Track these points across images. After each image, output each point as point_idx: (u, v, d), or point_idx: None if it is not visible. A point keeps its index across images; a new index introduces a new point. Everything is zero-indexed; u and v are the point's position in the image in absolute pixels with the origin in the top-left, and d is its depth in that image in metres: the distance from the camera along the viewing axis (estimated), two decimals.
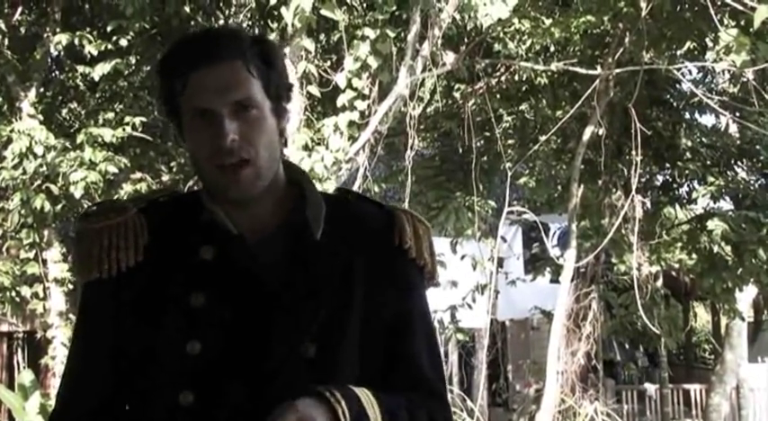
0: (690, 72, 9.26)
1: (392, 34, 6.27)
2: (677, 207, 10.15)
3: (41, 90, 8.01)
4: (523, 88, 9.35)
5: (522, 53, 8.42)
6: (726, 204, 9.80)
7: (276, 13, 6.24)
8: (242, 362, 1.31)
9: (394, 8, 6.38)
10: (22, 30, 8.50)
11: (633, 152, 7.58)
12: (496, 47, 8.13)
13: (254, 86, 1.34)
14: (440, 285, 1.50)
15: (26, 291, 7.37)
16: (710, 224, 8.65)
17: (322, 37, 7.59)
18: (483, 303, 8.20)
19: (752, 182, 10.06)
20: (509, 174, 7.68)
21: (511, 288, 9.53)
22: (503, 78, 9.03)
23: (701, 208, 10.03)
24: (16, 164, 6.94)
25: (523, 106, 9.77)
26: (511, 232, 10.10)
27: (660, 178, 10.25)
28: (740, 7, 5.98)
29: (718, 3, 6.31)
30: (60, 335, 7.23)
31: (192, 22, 7.75)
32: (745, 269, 8.57)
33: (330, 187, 6.00)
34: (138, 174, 7.54)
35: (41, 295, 7.39)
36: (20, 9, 8.01)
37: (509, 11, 6.15)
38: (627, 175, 8.55)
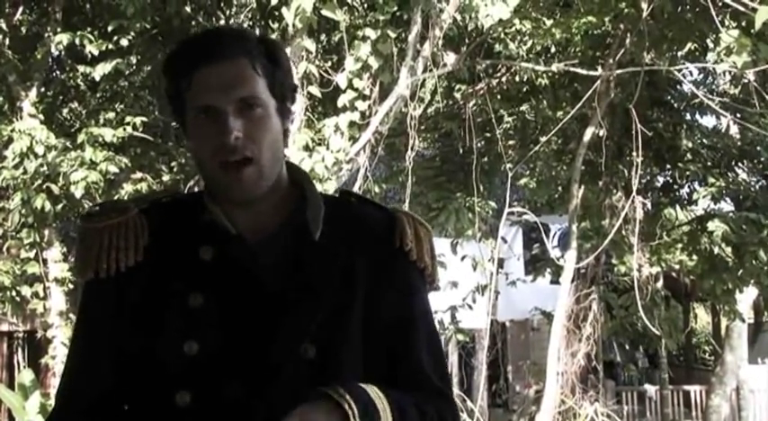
0: (691, 73, 9.28)
1: (393, 35, 6.27)
2: (678, 208, 10.15)
3: (42, 90, 8.01)
4: (524, 89, 9.35)
5: (522, 54, 8.42)
6: (726, 205, 9.80)
7: (277, 13, 6.24)
8: (240, 363, 1.31)
9: (395, 9, 6.38)
10: (23, 29, 8.50)
11: (634, 153, 7.57)
12: (497, 47, 8.13)
13: (260, 85, 1.34)
14: (440, 289, 1.49)
15: (26, 290, 7.37)
16: (711, 225, 8.65)
17: (323, 37, 7.60)
18: (483, 304, 8.20)
19: (752, 183, 10.07)
20: (509, 174, 7.67)
21: (511, 289, 9.52)
22: (503, 79, 9.03)
23: (702, 209, 10.03)
24: (17, 163, 6.94)
25: (524, 107, 9.78)
26: (511, 233, 10.10)
27: (661, 179, 10.26)
28: (741, 8, 5.98)
29: (720, 4, 6.30)
30: (60, 335, 7.23)
31: (193, 23, 7.75)
32: (745, 270, 8.57)
33: (331, 187, 6.00)
34: (139, 174, 7.54)
35: (42, 295, 7.39)
36: (21, 9, 8.02)
37: (510, 11, 6.15)
38: (627, 176, 8.55)
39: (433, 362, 1.41)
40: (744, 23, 6.40)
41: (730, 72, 8.35)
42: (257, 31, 7.13)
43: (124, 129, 7.17)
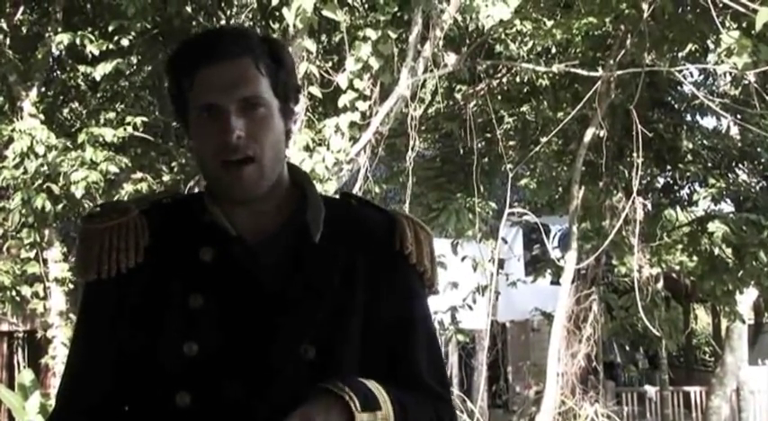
0: (691, 74, 9.28)
1: (394, 35, 6.27)
2: (678, 209, 10.16)
3: (43, 90, 8.01)
4: (525, 90, 9.36)
5: (523, 54, 8.43)
6: (727, 206, 9.81)
7: (278, 13, 6.24)
8: (240, 364, 1.31)
9: (395, 9, 6.38)
10: (24, 29, 8.51)
11: (634, 154, 7.57)
12: (498, 48, 8.13)
13: (263, 84, 1.33)
14: (439, 293, 1.49)
15: (26, 290, 7.37)
16: (711, 226, 8.65)
17: (323, 38, 7.60)
18: (483, 304, 8.20)
19: (753, 184, 10.07)
20: (510, 175, 7.67)
21: (511, 289, 9.52)
22: (504, 80, 9.04)
23: (702, 210, 10.04)
24: (17, 163, 6.95)
25: (525, 108, 9.78)
26: (511, 233, 10.09)
27: (661, 180, 10.26)
28: (742, 9, 5.97)
29: (720, 5, 6.29)
30: (60, 335, 7.23)
31: (194, 23, 7.76)
32: (745, 271, 8.57)
33: (331, 188, 6.00)
34: (139, 174, 7.54)
35: (42, 295, 7.39)
36: (21, 8, 8.02)
37: (510, 12, 6.15)
38: (628, 177, 8.55)
39: (431, 364, 1.41)
40: (744, 24, 6.40)
41: (731, 73, 8.34)
42: (258, 31, 7.12)
43: (125, 130, 7.17)
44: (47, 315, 7.41)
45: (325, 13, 5.98)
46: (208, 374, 1.31)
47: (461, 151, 8.97)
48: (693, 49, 8.35)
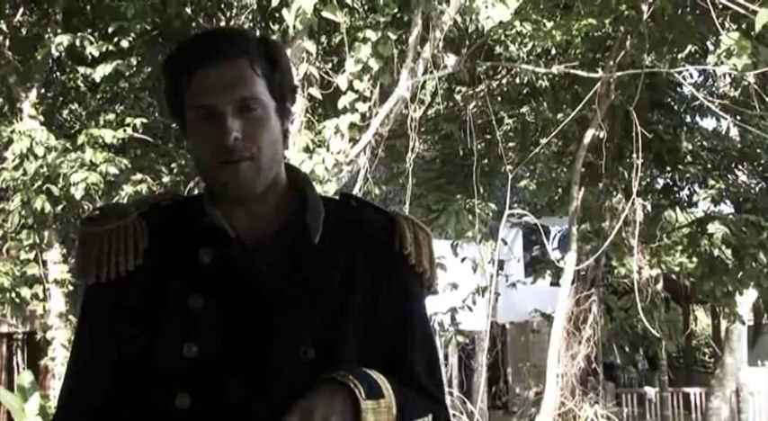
0: (691, 75, 9.26)
1: (393, 36, 6.28)
2: (678, 210, 10.17)
3: (42, 91, 8.01)
4: (524, 91, 9.36)
5: (523, 56, 8.43)
6: (726, 208, 9.82)
7: (278, 14, 6.24)
8: (240, 365, 1.31)
9: (395, 10, 6.38)
10: (24, 31, 8.51)
11: (634, 155, 7.58)
12: (498, 49, 8.14)
13: (259, 85, 1.33)
14: (438, 293, 1.49)
15: (26, 292, 7.37)
16: (711, 227, 8.66)
17: (323, 39, 7.60)
18: (483, 306, 8.20)
19: (752, 185, 10.08)
20: (510, 176, 7.68)
21: (511, 290, 9.52)
22: (504, 81, 9.05)
23: (702, 211, 10.05)
24: (17, 165, 6.95)
25: (524, 109, 9.78)
26: (511, 235, 10.10)
27: (661, 181, 10.26)
28: (741, 11, 5.98)
29: (720, 6, 6.30)
30: (60, 337, 7.23)
31: (194, 24, 7.75)
32: (745, 273, 8.58)
33: (331, 189, 6.00)
34: (139, 176, 7.54)
35: (41, 296, 7.39)
36: (21, 10, 8.02)
37: (510, 13, 6.16)
38: (627, 178, 8.56)
39: (427, 366, 1.41)
40: (744, 26, 6.41)
41: (730, 74, 8.35)
42: (258, 33, 7.13)
43: (124, 131, 7.17)
44: (46, 316, 7.41)
45: (325, 14, 5.98)
46: (208, 376, 1.30)
47: (461, 152, 8.98)
48: (693, 50, 8.35)
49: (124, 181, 7.45)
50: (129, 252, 1.35)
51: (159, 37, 7.60)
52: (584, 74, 7.71)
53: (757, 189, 9.95)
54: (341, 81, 6.27)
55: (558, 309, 8.14)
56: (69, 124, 8.93)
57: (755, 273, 8.58)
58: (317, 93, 6.37)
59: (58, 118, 8.71)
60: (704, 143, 9.99)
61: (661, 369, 11.88)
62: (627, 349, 14.48)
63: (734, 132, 10.33)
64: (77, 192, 6.75)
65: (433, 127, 9.47)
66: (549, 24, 7.89)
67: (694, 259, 9.39)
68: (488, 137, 8.98)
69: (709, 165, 9.65)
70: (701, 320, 20.21)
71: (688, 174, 9.64)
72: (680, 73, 7.91)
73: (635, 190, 7.75)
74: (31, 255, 7.36)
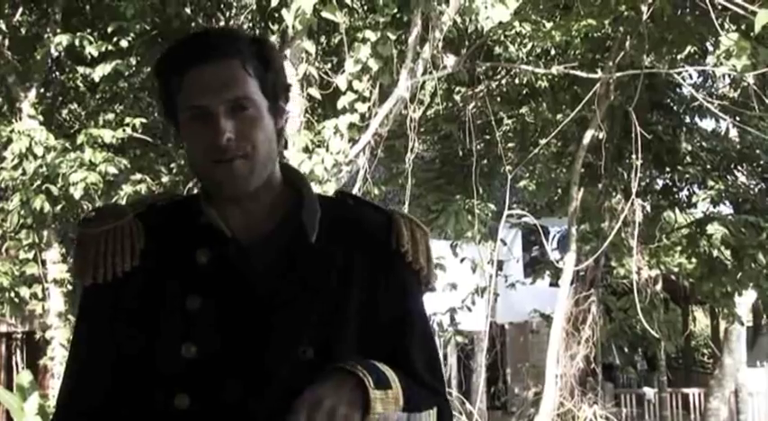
0: (690, 76, 9.26)
1: (393, 37, 6.27)
2: (677, 211, 10.16)
3: (42, 91, 8.01)
4: (524, 91, 9.37)
5: (522, 56, 8.44)
6: (726, 208, 9.82)
7: (277, 14, 6.24)
8: (238, 365, 1.31)
9: (395, 11, 6.38)
10: (23, 30, 8.50)
11: (633, 156, 7.58)
12: (497, 50, 8.14)
13: (251, 85, 1.33)
14: (435, 290, 1.49)
15: (25, 291, 7.37)
16: (710, 228, 8.66)
17: (323, 39, 7.60)
18: (482, 306, 8.20)
19: (752, 186, 10.08)
20: (509, 177, 7.68)
21: (510, 291, 9.52)
22: (503, 81, 9.05)
23: (701, 212, 10.05)
24: (16, 164, 6.95)
25: (524, 109, 9.79)
26: (511, 235, 10.10)
27: (660, 182, 10.26)
28: (741, 11, 5.98)
29: (719, 7, 6.31)
30: (59, 336, 7.23)
31: (193, 24, 7.75)
32: (744, 273, 8.58)
33: (330, 189, 6.00)
34: (138, 176, 7.54)
35: (40, 296, 7.39)
36: (20, 10, 8.02)
37: (510, 14, 6.15)
38: (627, 179, 8.56)
39: (427, 363, 1.41)
40: (743, 26, 6.41)
41: (730, 75, 8.36)
42: (257, 33, 7.13)
43: (123, 131, 7.17)
44: (45, 316, 7.40)
45: (325, 14, 5.98)
46: (206, 376, 1.31)
47: (460, 153, 8.98)
48: (692, 50, 8.35)
49: (123, 181, 7.45)
50: (125, 253, 1.35)
51: (158, 37, 7.59)
52: (583, 74, 7.71)
53: (756, 190, 9.95)
54: (340, 81, 6.27)
55: (558, 310, 8.14)
56: (68, 124, 8.93)
57: (754, 273, 8.58)
58: (317, 93, 6.37)
59: (58, 118, 8.71)
60: (703, 144, 9.99)
61: (660, 369, 11.89)
62: (626, 350, 14.46)
63: (733, 133, 10.33)
64: (76, 192, 6.75)
65: (433, 127, 9.47)
66: (549, 25, 7.89)
67: (693, 260, 9.39)
68: (488, 137, 8.98)
69: (708, 166, 9.65)
70: (700, 321, 20.21)
71: (687, 175, 9.64)
72: (679, 74, 7.91)
73: (634, 190, 7.76)
74: (30, 255, 7.36)
